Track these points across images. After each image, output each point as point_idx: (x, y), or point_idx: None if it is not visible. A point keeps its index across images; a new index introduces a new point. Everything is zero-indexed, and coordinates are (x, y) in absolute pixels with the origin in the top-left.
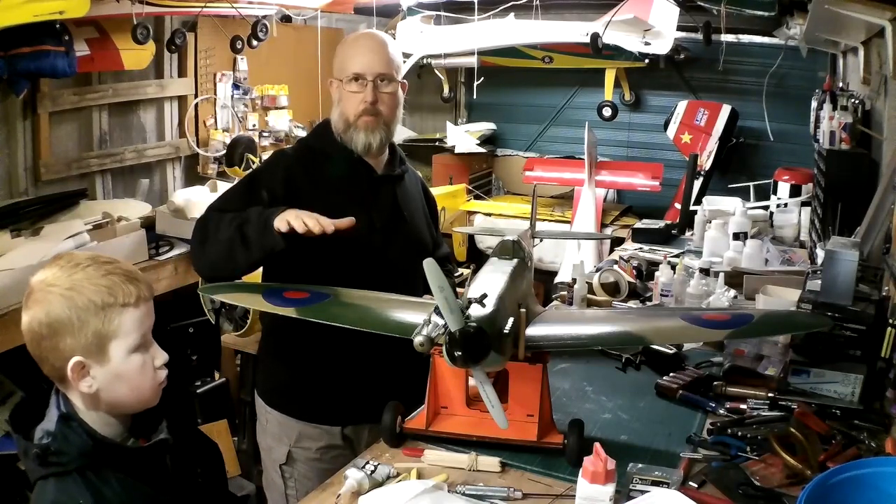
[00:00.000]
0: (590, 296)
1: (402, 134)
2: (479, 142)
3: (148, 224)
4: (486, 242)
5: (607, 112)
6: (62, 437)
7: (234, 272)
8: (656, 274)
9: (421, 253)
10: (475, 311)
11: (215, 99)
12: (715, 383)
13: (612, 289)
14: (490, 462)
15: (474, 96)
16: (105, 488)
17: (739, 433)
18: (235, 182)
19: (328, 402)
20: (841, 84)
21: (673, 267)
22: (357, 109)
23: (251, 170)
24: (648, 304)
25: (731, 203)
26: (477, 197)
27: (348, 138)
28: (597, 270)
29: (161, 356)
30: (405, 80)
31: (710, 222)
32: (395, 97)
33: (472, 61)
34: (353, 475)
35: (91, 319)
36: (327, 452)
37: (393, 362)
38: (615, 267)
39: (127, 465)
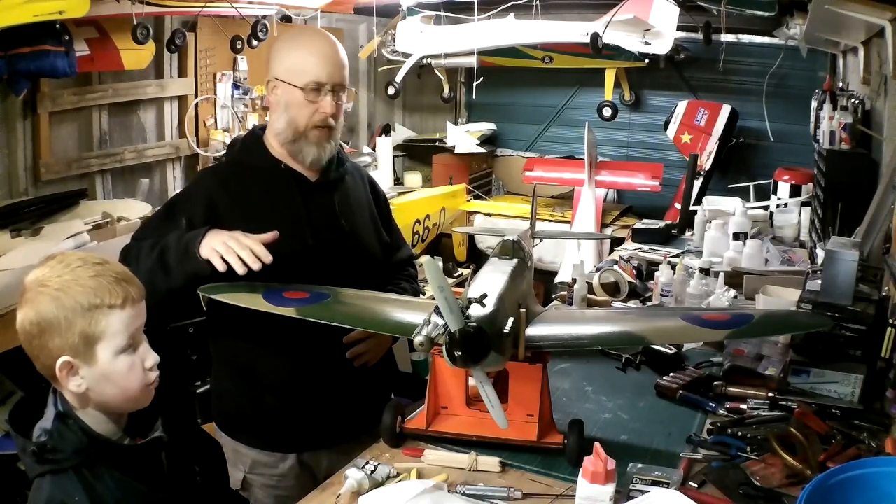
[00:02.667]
0: (590, 296)
1: (402, 134)
2: (479, 142)
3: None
4: (486, 242)
5: (607, 112)
6: (58, 434)
7: (158, 301)
8: (656, 274)
9: (367, 264)
10: (475, 311)
11: (215, 99)
12: (715, 383)
13: (612, 289)
14: (490, 462)
15: (474, 96)
16: (99, 485)
17: (739, 433)
18: (156, 209)
19: (281, 430)
20: (841, 84)
21: (673, 267)
22: (313, 120)
23: (173, 195)
24: (648, 304)
25: (731, 203)
26: (477, 197)
27: (296, 149)
28: (597, 270)
29: (151, 358)
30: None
31: (710, 222)
32: (343, 107)
33: (472, 61)
34: (353, 475)
35: (77, 320)
36: (283, 480)
37: (345, 387)
38: (615, 267)
39: (122, 463)
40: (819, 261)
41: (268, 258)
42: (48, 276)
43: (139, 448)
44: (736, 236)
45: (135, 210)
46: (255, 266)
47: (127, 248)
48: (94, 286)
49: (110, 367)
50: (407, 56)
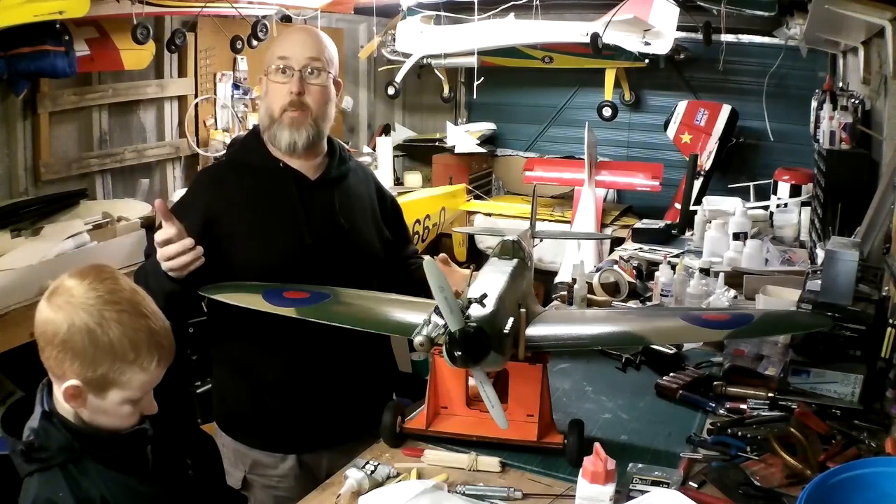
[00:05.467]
0: (590, 296)
1: (402, 134)
2: (479, 142)
3: (148, 224)
4: (486, 242)
5: (607, 112)
6: (44, 433)
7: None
8: (656, 274)
9: (367, 263)
10: (475, 311)
11: (215, 99)
12: (715, 383)
13: (612, 289)
14: (490, 462)
15: (474, 96)
16: (84, 480)
17: (739, 433)
18: None
19: (281, 430)
20: (841, 84)
21: (673, 267)
22: (283, 102)
23: (175, 202)
24: (648, 304)
25: (731, 203)
26: (477, 197)
27: (272, 136)
28: (597, 270)
29: (151, 409)
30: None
31: (710, 222)
32: (326, 91)
33: (472, 61)
34: (353, 475)
35: (105, 362)
36: (283, 480)
37: (345, 388)
38: (615, 267)
39: (107, 457)
40: (819, 261)
41: (186, 244)
42: (91, 301)
43: (123, 438)
44: (736, 236)
45: (135, 210)
46: (190, 258)
47: (137, 270)
48: (133, 339)
49: (113, 409)
50: (407, 56)
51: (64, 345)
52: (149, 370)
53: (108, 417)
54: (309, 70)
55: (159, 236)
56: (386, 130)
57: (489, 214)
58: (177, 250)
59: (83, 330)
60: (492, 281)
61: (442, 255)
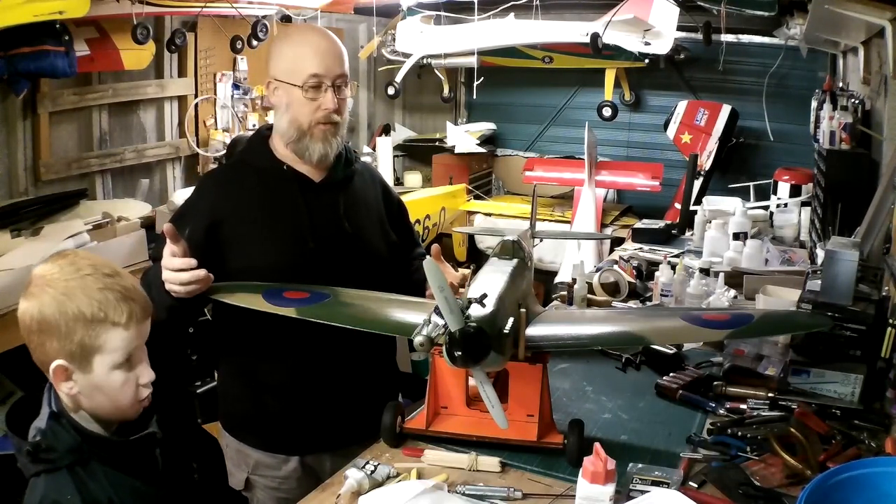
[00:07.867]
0: (590, 296)
1: (402, 134)
2: (479, 142)
3: (148, 224)
4: (486, 242)
5: (607, 112)
6: (52, 434)
7: (164, 324)
8: (656, 274)
9: (371, 267)
10: (475, 311)
11: (215, 99)
12: (715, 383)
13: (612, 289)
14: (490, 462)
15: (474, 96)
16: (92, 483)
17: (739, 433)
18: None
19: (284, 432)
20: (841, 84)
21: (673, 267)
22: (315, 117)
23: (181, 204)
24: (648, 304)
25: (731, 203)
26: (477, 197)
27: (301, 148)
28: (597, 270)
29: (146, 375)
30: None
31: (710, 222)
32: (347, 101)
33: (472, 61)
34: (353, 475)
35: (78, 329)
36: (286, 482)
37: (347, 390)
38: (615, 267)
39: (115, 460)
40: (819, 261)
41: (199, 274)
42: (56, 275)
43: (132, 444)
44: (736, 236)
45: (135, 210)
46: (199, 287)
47: (143, 275)
48: (99, 299)
49: (104, 379)
50: (407, 56)
51: (40, 326)
52: (121, 324)
53: (105, 394)
54: (339, 83)
55: (172, 264)
56: (386, 130)
57: (489, 214)
58: (188, 279)
59: (52, 305)
60: (492, 281)
61: (435, 246)
